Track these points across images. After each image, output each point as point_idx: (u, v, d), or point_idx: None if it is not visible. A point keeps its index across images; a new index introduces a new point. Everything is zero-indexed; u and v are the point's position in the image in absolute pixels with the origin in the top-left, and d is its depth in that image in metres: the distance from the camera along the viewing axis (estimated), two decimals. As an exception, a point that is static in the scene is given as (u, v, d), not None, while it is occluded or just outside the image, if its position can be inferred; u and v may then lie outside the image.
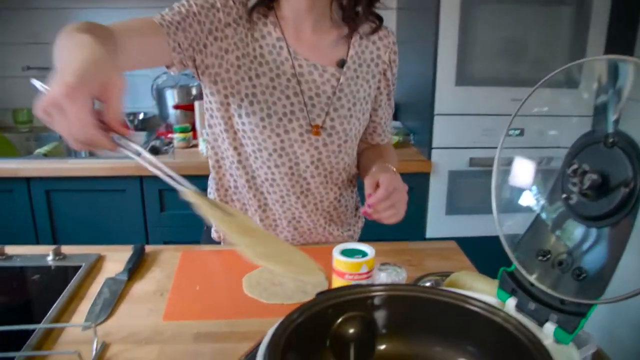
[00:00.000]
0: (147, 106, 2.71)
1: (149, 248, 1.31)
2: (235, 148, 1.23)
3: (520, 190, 0.89)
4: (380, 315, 0.77)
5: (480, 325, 0.72)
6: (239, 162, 1.25)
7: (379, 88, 1.31)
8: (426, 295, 0.76)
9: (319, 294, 0.75)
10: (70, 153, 2.52)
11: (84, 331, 0.98)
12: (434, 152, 2.27)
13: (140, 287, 1.14)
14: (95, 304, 1.06)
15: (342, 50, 1.24)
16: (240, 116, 1.18)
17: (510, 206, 0.91)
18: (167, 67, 1.13)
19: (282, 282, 1.14)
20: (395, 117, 2.73)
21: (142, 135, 2.59)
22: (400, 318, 0.77)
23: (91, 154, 2.57)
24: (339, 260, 0.95)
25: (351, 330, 0.76)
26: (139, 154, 0.72)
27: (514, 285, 0.77)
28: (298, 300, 1.06)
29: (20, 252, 1.26)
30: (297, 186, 1.27)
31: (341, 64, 1.22)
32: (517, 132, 2.33)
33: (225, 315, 1.03)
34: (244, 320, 1.02)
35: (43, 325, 0.96)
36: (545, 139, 2.35)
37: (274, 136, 1.19)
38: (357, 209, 1.46)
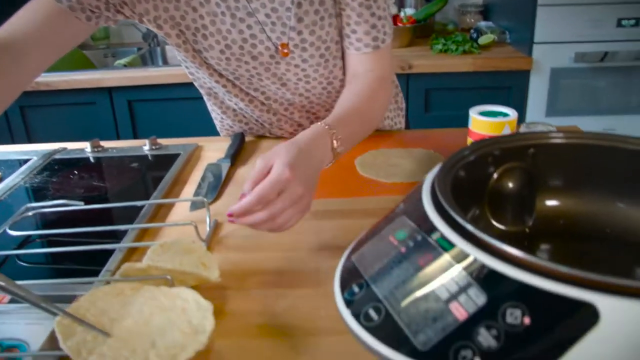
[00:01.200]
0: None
1: (248, 138, 1.23)
2: (217, 81, 1.07)
3: None
4: (544, 167, 0.65)
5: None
6: (228, 91, 1.09)
7: None
8: (604, 143, 0.63)
9: (473, 144, 0.63)
10: (146, 62, 2.46)
11: (192, 211, 0.90)
12: (535, 47, 2.07)
13: (245, 171, 1.06)
14: (200, 187, 0.98)
15: None
16: (200, 52, 1.01)
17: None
18: None
19: (399, 164, 1.03)
20: (486, 17, 2.53)
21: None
22: (571, 170, 0.65)
23: (165, 62, 2.51)
24: (478, 120, 0.83)
25: (510, 185, 0.65)
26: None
27: None
28: (420, 179, 0.95)
29: (115, 145, 1.20)
30: (297, 100, 1.11)
31: None
32: (632, 22, 2.11)
33: (343, 194, 0.94)
34: (364, 198, 0.92)
35: (153, 200, 0.90)
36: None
37: (243, 64, 1.02)
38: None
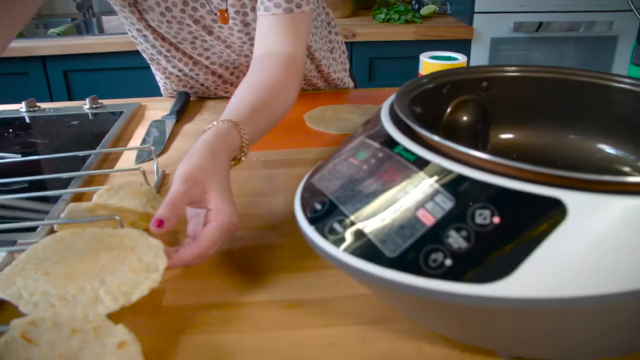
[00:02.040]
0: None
1: (193, 98, 1.19)
2: (161, 45, 1.05)
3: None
4: (498, 100, 0.65)
5: (627, 105, 0.61)
6: (173, 56, 1.07)
7: None
8: (556, 75, 0.64)
9: (428, 74, 0.62)
10: (80, 31, 2.36)
11: (138, 164, 0.87)
12: (475, 17, 2.10)
13: (192, 127, 1.03)
14: (145, 142, 0.95)
15: None
16: (141, 13, 0.98)
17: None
18: None
19: (348, 117, 1.03)
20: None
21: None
22: (524, 103, 0.65)
23: (101, 30, 2.42)
24: (428, 63, 0.83)
25: (464, 118, 0.65)
26: None
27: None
28: (371, 130, 0.95)
29: (52, 105, 1.15)
30: (243, 60, 1.09)
31: None
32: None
33: (293, 145, 0.93)
34: (313, 149, 0.91)
35: (98, 150, 0.86)
36: (597, 1, 2.15)
37: (185, 27, 1.00)
38: (331, 51, 1.24)
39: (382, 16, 2.14)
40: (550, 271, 0.36)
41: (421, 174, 0.42)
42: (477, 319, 0.40)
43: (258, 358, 0.48)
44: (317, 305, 0.55)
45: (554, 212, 0.37)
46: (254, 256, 0.63)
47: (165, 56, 1.08)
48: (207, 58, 1.06)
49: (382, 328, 0.51)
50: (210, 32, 1.00)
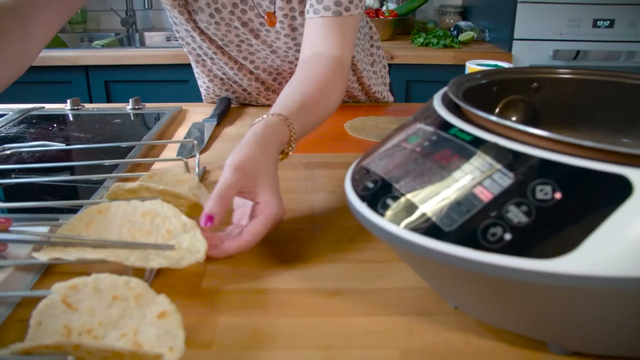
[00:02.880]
0: None
1: (234, 104, 1.20)
2: (208, 47, 1.06)
3: None
4: (548, 101, 0.64)
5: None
6: (219, 59, 1.08)
7: None
8: (608, 78, 0.63)
9: (480, 71, 0.62)
10: (123, 45, 2.41)
11: (177, 160, 0.87)
12: (515, 44, 2.09)
13: (233, 130, 1.03)
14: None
15: None
16: (190, 14, 1.00)
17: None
18: None
19: (388, 127, 1.02)
20: (465, 18, 2.56)
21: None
22: (576, 105, 0.64)
23: (142, 46, 2.47)
24: (474, 69, 0.83)
25: (513, 118, 0.64)
26: None
27: None
28: (413, 138, 0.94)
29: (96, 106, 1.17)
30: (286, 67, 1.09)
31: None
32: (607, 23, 2.14)
33: (333, 150, 0.92)
34: (353, 154, 0.91)
35: (143, 142, 0.86)
36: (638, 32, 2.14)
37: (233, 29, 1.01)
38: (372, 64, 1.24)
39: (421, 40, 2.14)
40: (615, 249, 0.35)
41: (478, 152, 0.41)
42: (533, 300, 0.38)
43: (298, 341, 0.47)
44: (359, 294, 0.53)
45: (620, 189, 0.35)
46: (294, 247, 0.62)
47: (211, 58, 1.09)
48: (252, 62, 1.07)
49: (427, 319, 0.49)
50: (256, 36, 1.01)
